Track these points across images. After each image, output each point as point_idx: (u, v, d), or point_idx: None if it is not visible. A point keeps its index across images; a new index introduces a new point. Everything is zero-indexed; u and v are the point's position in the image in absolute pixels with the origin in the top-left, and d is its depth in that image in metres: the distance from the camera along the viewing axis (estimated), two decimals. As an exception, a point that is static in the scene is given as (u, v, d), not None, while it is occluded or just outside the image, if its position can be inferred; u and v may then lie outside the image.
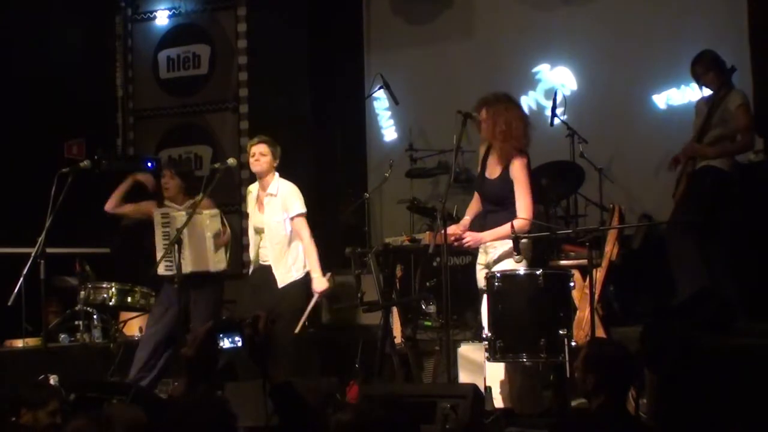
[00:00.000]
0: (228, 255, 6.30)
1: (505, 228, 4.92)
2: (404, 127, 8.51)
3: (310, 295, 5.84)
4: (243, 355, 2.78)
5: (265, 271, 5.90)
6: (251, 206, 6.08)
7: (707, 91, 5.88)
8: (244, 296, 6.11)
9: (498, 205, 5.11)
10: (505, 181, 5.06)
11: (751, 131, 5.68)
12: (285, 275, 5.86)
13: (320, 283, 5.81)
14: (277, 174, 6.00)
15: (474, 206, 5.42)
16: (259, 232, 5.97)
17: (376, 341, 5.73)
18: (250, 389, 4.33)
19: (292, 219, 5.88)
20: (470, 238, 5.07)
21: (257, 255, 5.99)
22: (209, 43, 8.57)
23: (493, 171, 5.18)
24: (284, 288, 5.83)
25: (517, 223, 4.89)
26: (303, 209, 5.91)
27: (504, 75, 8.35)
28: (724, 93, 5.70)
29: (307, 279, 5.85)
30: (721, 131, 5.68)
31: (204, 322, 5.89)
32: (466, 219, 5.35)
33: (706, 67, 5.84)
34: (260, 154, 5.92)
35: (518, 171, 5.03)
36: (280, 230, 5.88)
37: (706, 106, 5.81)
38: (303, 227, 5.89)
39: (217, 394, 2.80)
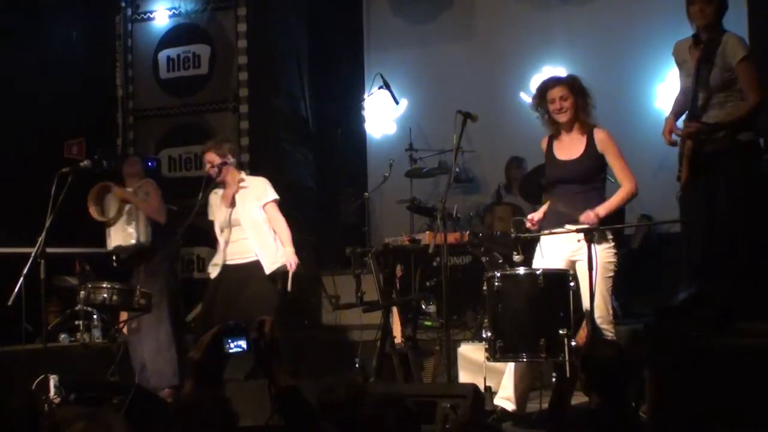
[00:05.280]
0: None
1: (620, 198, 4.91)
2: (404, 127, 8.52)
3: (283, 292, 5.93)
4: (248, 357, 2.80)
5: (237, 272, 5.92)
6: (215, 208, 6.07)
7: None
8: (215, 301, 5.96)
9: (587, 184, 4.98)
10: (592, 157, 4.97)
11: (760, 86, 4.63)
12: (272, 264, 5.90)
13: (293, 255, 5.95)
14: (242, 173, 6.14)
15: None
16: (229, 226, 5.95)
17: (376, 341, 5.73)
18: (251, 389, 4.34)
19: (265, 206, 5.97)
20: (588, 217, 4.79)
21: (224, 255, 5.99)
22: (209, 43, 8.57)
23: (569, 152, 5.04)
24: (262, 287, 5.86)
25: (632, 190, 4.91)
26: (276, 195, 6.03)
27: (503, 75, 8.37)
28: (714, 38, 4.69)
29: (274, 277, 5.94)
30: (726, 95, 4.72)
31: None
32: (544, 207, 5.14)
33: None
34: (208, 163, 6.01)
35: (610, 141, 4.98)
36: (258, 217, 5.96)
37: (695, 56, 4.80)
38: (278, 212, 6.02)
39: (221, 394, 2.81)
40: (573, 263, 4.88)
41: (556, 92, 4.99)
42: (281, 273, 5.92)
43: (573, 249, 4.87)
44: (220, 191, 6.07)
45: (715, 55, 4.66)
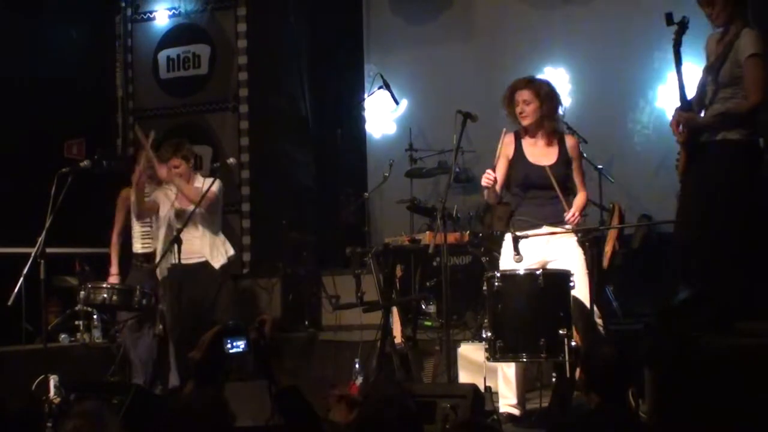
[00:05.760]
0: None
1: (583, 202, 5.05)
2: (404, 127, 8.51)
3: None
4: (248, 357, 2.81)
5: (193, 273, 5.93)
6: (165, 206, 6.15)
7: None
8: (180, 305, 5.89)
9: (563, 190, 4.97)
10: (566, 163, 5.06)
11: (763, 88, 4.49)
12: (218, 262, 6.11)
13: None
14: (197, 173, 6.34)
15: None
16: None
17: (376, 341, 5.73)
18: (251, 389, 4.34)
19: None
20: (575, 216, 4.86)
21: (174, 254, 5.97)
22: (209, 43, 8.57)
23: (545, 157, 5.04)
24: (217, 278, 6.06)
25: (587, 197, 5.15)
26: (220, 201, 6.24)
27: (504, 75, 8.30)
28: (736, 32, 4.56)
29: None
30: (733, 91, 4.60)
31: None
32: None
33: None
34: (174, 167, 6.09)
35: (578, 149, 5.17)
36: (208, 218, 6.10)
37: (717, 50, 4.68)
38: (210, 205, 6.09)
39: (221, 394, 2.81)
40: (546, 265, 4.90)
41: (521, 95, 5.05)
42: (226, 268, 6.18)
43: (546, 251, 4.94)
44: (172, 188, 6.14)
45: (731, 46, 4.56)
